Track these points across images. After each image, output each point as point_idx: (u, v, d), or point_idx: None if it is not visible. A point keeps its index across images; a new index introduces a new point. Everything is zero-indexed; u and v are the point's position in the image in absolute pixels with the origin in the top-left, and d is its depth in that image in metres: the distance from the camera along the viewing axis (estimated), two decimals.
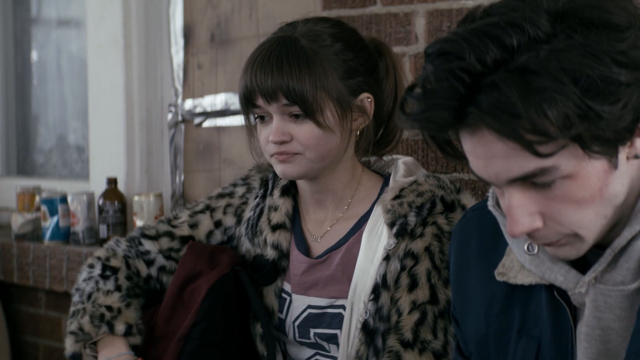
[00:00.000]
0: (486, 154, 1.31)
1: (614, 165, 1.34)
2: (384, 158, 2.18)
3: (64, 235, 3.40)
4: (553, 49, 1.26)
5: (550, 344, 1.50)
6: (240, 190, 2.27)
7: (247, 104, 2.04)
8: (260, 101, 2.01)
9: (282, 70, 1.97)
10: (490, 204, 1.52)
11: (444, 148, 1.41)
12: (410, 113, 1.33)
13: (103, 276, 2.20)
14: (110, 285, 2.18)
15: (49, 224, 3.40)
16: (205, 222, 2.25)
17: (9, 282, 3.60)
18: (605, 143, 1.29)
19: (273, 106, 2.00)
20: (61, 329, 3.50)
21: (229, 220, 2.25)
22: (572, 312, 1.48)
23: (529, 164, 1.29)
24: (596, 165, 1.32)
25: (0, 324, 3.59)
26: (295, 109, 1.99)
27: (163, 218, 2.29)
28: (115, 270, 2.20)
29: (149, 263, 2.21)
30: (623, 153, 1.34)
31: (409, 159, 2.15)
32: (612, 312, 1.42)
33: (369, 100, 2.07)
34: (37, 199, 3.55)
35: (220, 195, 2.29)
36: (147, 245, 2.23)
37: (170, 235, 2.24)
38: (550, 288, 1.49)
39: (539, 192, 1.33)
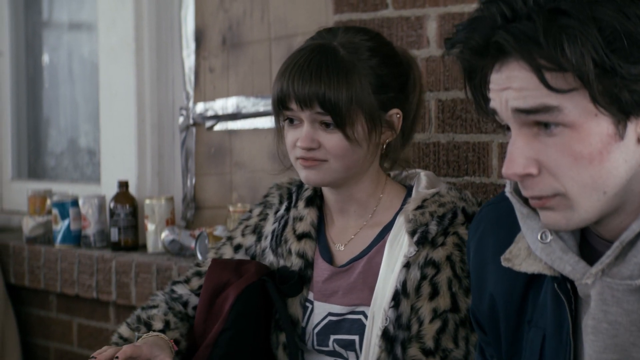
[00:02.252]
0: (504, 84, 1.37)
1: (620, 135, 1.35)
2: (407, 171, 2.20)
3: (75, 238, 3.41)
4: (591, 1, 1.32)
5: (553, 335, 1.51)
6: (257, 210, 2.29)
7: (280, 106, 2.05)
8: (293, 105, 2.02)
9: (320, 79, 1.99)
10: (507, 190, 1.53)
11: (476, 95, 1.46)
12: (452, 39, 1.42)
13: (143, 309, 2.20)
14: (153, 311, 2.18)
15: (60, 227, 3.40)
16: (227, 252, 2.26)
17: (20, 285, 3.60)
18: (615, 101, 1.33)
19: (306, 112, 2.02)
20: (72, 332, 3.50)
21: (249, 240, 2.25)
22: (574, 305, 1.48)
23: (537, 99, 1.34)
24: (601, 125, 1.34)
25: (11, 327, 3.60)
26: (327, 118, 2.01)
27: (192, 264, 2.31)
28: (155, 307, 2.21)
29: (184, 304, 2.22)
30: (634, 129, 1.36)
31: (430, 172, 2.17)
32: (619, 306, 1.42)
33: (398, 116, 2.10)
34: (48, 202, 3.55)
35: (239, 224, 2.30)
36: (179, 289, 2.24)
37: (198, 274, 2.25)
38: (553, 280, 1.50)
39: (541, 141, 1.37)
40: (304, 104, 2.00)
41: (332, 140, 2.02)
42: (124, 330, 2.14)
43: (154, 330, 2.10)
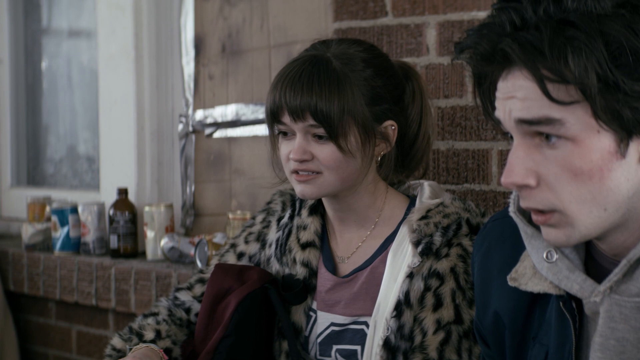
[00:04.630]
0: (509, 92, 1.38)
1: (622, 153, 1.35)
2: (410, 181, 2.20)
3: (75, 245, 3.41)
4: (600, 15, 1.32)
5: (555, 353, 1.51)
6: (260, 217, 2.28)
7: (273, 119, 2.04)
8: (286, 118, 2.02)
9: (312, 90, 1.99)
10: (511, 209, 1.53)
11: (484, 101, 1.47)
12: (461, 43, 1.42)
13: (145, 316, 2.21)
14: (149, 319, 2.18)
15: (60, 234, 3.41)
16: (230, 259, 2.26)
17: (20, 292, 3.60)
18: (616, 118, 1.32)
19: (299, 125, 2.01)
20: (71, 339, 3.50)
21: (253, 248, 2.25)
22: (578, 324, 1.48)
23: (540, 110, 1.35)
24: (602, 141, 1.34)
25: (10, 334, 3.60)
26: (320, 130, 2.00)
27: (195, 271, 2.30)
28: (156, 314, 2.21)
29: (187, 311, 2.23)
30: (636, 148, 1.36)
31: (433, 182, 2.16)
32: (627, 323, 1.42)
33: (393, 128, 2.09)
34: (48, 209, 3.55)
35: (242, 230, 2.30)
36: (182, 296, 2.25)
37: (201, 281, 2.25)
38: (558, 298, 1.50)
39: (542, 153, 1.37)
40: (296, 115, 1.99)
41: (325, 151, 2.01)
42: (116, 341, 2.14)
43: (145, 341, 2.10)
